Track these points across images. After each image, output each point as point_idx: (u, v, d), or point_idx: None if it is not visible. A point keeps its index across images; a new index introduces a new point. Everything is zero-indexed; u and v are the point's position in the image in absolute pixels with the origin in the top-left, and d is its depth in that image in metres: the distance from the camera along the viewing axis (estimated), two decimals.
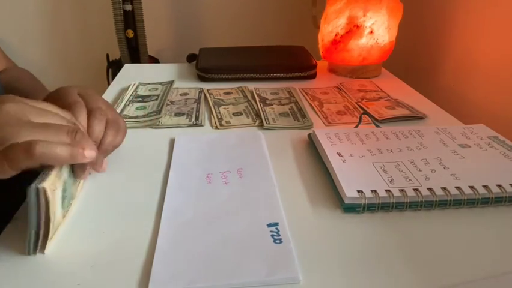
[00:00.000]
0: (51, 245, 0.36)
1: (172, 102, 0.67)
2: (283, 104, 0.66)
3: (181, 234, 0.37)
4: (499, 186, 0.41)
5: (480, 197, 0.40)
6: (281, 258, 0.34)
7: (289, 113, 0.63)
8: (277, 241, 0.35)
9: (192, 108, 0.65)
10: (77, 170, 0.39)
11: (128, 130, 0.58)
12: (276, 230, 0.37)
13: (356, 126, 0.57)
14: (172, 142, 0.54)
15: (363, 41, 0.77)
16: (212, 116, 0.62)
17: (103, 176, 0.46)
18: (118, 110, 0.63)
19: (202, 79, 0.79)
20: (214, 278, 0.32)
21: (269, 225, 0.37)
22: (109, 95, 0.71)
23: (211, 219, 0.39)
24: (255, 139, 0.54)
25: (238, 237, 0.36)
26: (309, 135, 0.55)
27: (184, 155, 0.50)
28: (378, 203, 0.40)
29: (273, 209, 0.40)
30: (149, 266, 0.33)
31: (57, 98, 0.42)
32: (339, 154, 0.47)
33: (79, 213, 0.40)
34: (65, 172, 0.38)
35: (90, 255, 0.35)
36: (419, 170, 0.44)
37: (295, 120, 0.61)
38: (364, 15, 0.75)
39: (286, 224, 0.38)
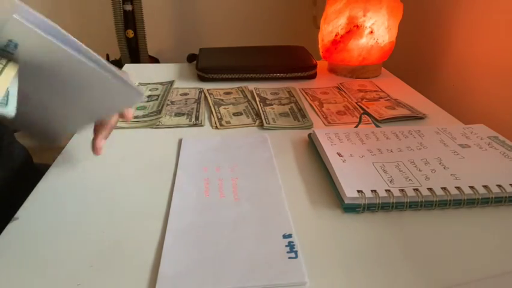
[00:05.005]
0: (52, 243, 0.36)
1: (172, 102, 0.67)
2: (283, 104, 0.66)
3: (189, 236, 0.36)
4: (499, 186, 0.41)
5: (480, 197, 0.40)
6: (290, 263, 0.33)
7: (289, 113, 0.63)
8: (288, 247, 0.35)
9: (192, 108, 0.65)
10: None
11: (129, 130, 0.58)
12: (288, 238, 0.36)
13: (356, 126, 0.57)
14: (174, 142, 0.54)
15: (363, 41, 0.77)
16: (212, 116, 0.62)
17: (106, 176, 0.46)
18: None
19: (202, 79, 0.79)
20: (222, 281, 0.32)
21: (284, 236, 0.37)
22: None
23: (218, 223, 0.38)
24: (261, 142, 0.54)
25: (245, 241, 0.36)
26: (309, 135, 0.55)
27: (191, 157, 0.50)
28: (378, 203, 0.40)
29: (281, 215, 0.39)
30: (153, 266, 0.33)
31: None
32: (339, 154, 0.47)
33: (81, 213, 0.40)
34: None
35: (90, 255, 0.35)
36: (419, 170, 0.44)
37: (295, 120, 0.61)
38: (364, 15, 0.75)
39: (294, 228, 0.38)
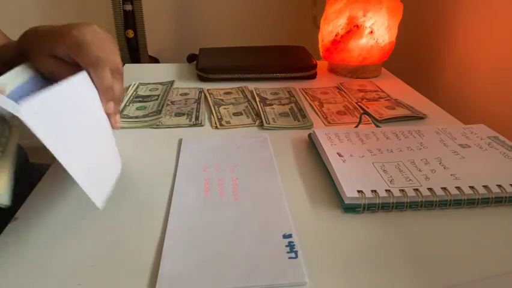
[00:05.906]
0: (52, 243, 0.36)
1: (172, 102, 0.67)
2: (283, 104, 0.66)
3: (189, 236, 0.36)
4: (499, 186, 0.41)
5: (480, 197, 0.40)
6: (290, 263, 0.33)
7: (289, 113, 0.63)
8: (288, 247, 0.35)
9: (192, 108, 0.65)
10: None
11: (129, 130, 0.58)
12: (288, 238, 0.36)
13: (356, 126, 0.57)
14: (174, 142, 0.54)
15: (363, 41, 0.77)
16: (212, 116, 0.62)
17: None
18: None
19: (202, 79, 0.79)
20: (222, 281, 0.32)
21: (284, 236, 0.37)
22: None
23: (219, 223, 0.38)
24: (261, 142, 0.54)
25: (245, 241, 0.36)
26: (309, 135, 0.55)
27: (191, 157, 0.50)
28: (379, 203, 0.40)
29: (281, 215, 0.39)
30: (153, 266, 0.33)
31: (76, 47, 0.42)
32: (339, 154, 0.47)
33: (81, 213, 0.40)
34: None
35: (90, 255, 0.35)
36: (419, 170, 0.44)
37: (295, 120, 0.61)
38: (364, 15, 0.75)
39: (294, 229, 0.38)
